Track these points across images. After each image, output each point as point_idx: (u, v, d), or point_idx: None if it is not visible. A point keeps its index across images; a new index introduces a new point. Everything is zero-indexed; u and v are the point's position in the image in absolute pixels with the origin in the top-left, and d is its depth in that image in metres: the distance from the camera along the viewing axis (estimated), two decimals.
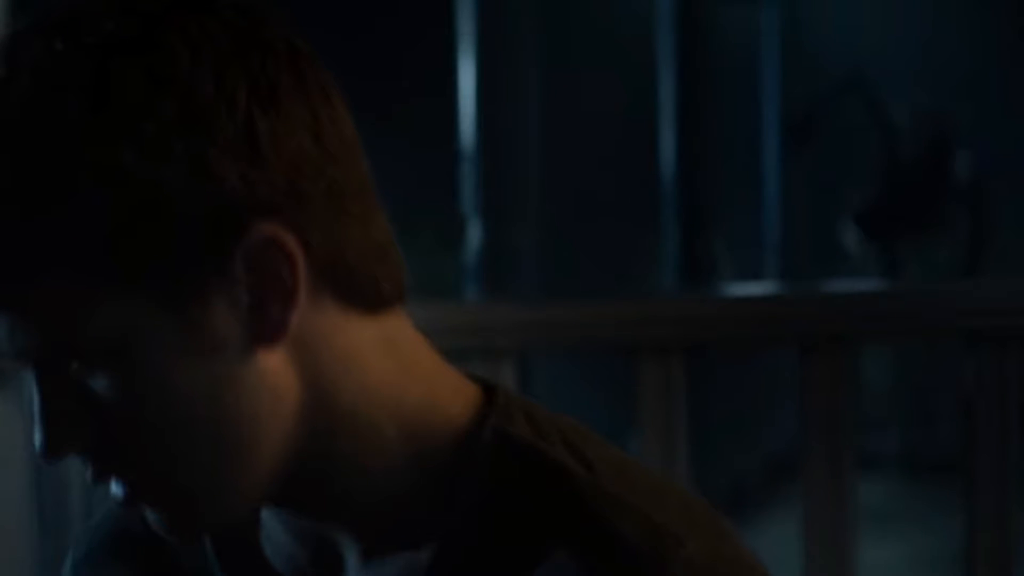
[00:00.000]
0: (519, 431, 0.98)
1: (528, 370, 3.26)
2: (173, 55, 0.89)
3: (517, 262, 5.56)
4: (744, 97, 7.79)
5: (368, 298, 0.95)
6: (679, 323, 2.20)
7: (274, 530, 1.02)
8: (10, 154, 0.89)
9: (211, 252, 0.90)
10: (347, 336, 0.95)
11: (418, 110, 5.14)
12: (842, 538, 2.18)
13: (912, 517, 6.22)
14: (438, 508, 0.96)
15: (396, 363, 0.97)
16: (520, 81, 5.57)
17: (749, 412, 6.87)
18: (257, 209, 0.90)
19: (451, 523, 0.96)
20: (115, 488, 0.94)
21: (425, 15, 5.36)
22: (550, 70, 5.71)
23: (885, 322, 2.25)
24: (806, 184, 7.93)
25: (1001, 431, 2.16)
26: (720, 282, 6.77)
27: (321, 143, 0.92)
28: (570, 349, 2.42)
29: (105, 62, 0.89)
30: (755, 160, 7.87)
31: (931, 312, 2.26)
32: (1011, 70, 7.63)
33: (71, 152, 0.88)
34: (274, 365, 0.92)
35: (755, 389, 6.79)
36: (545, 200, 5.64)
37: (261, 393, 0.92)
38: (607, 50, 6.24)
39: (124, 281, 0.89)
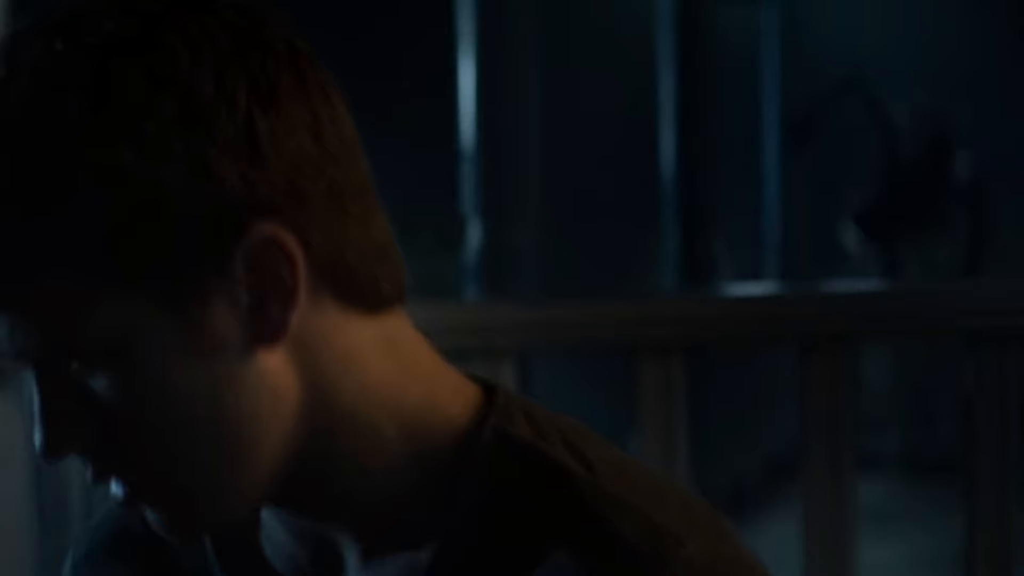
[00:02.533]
0: (519, 431, 0.98)
1: (528, 370, 3.25)
2: (173, 55, 0.89)
3: (517, 262, 5.56)
4: (744, 97, 7.79)
5: (368, 298, 0.95)
6: (679, 323, 2.20)
7: (274, 530, 1.02)
8: (10, 154, 0.89)
9: (211, 252, 0.90)
10: (347, 336, 0.95)
11: (418, 110, 5.14)
12: (842, 538, 2.18)
13: (912, 517, 6.21)
14: (438, 508, 0.96)
15: (396, 363, 0.97)
16: (520, 81, 5.57)
17: (749, 412, 6.87)
18: (257, 209, 0.90)
19: (451, 523, 0.96)
20: (115, 488, 0.94)
21: (425, 15, 5.36)
22: (550, 70, 5.71)
23: (885, 322, 2.25)
24: (806, 184, 7.93)
25: (1001, 431, 2.16)
26: (720, 282, 6.77)
27: (321, 143, 0.92)
28: (570, 349, 2.42)
29: (105, 62, 0.89)
30: (755, 160, 7.86)
31: (931, 312, 2.26)
32: (1011, 70, 7.63)
33: (71, 152, 0.88)
34: (274, 365, 0.92)
35: (755, 389, 6.79)
36: (545, 200, 5.64)
37: (261, 393, 0.92)
38: (607, 50, 6.24)
39: (124, 281, 0.89)
